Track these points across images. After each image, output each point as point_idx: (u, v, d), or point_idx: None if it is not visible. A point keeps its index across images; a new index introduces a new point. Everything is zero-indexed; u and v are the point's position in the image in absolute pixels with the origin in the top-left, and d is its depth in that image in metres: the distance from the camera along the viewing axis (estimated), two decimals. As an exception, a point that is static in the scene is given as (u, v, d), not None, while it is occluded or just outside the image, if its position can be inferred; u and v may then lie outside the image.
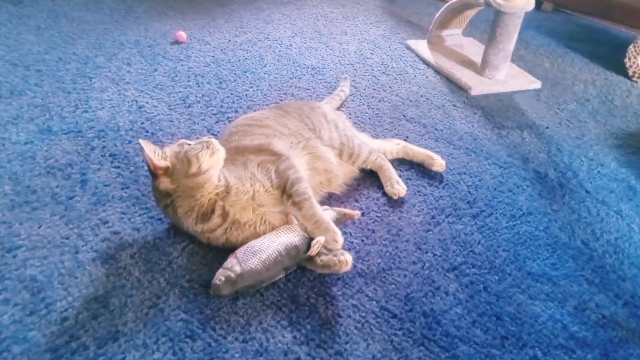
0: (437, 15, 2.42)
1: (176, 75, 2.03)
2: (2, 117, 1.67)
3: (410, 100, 2.01)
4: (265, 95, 1.95)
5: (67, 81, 1.92)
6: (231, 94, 1.94)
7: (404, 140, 1.69)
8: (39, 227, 1.26)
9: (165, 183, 1.16)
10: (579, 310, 1.18)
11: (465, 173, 1.61)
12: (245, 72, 2.11)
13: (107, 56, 2.14)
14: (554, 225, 1.43)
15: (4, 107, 1.73)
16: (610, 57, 2.54)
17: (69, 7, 2.59)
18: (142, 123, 1.71)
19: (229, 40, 2.39)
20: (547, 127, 1.91)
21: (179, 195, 1.17)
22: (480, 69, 2.22)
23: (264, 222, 1.22)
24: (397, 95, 2.04)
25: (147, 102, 1.83)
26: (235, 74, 2.09)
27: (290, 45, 2.41)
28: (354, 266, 1.22)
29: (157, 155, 1.16)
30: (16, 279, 1.13)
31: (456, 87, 2.15)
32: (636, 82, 2.33)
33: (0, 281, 1.12)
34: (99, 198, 1.38)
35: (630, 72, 2.35)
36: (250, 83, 2.03)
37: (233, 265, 1.10)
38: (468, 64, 2.30)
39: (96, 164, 1.50)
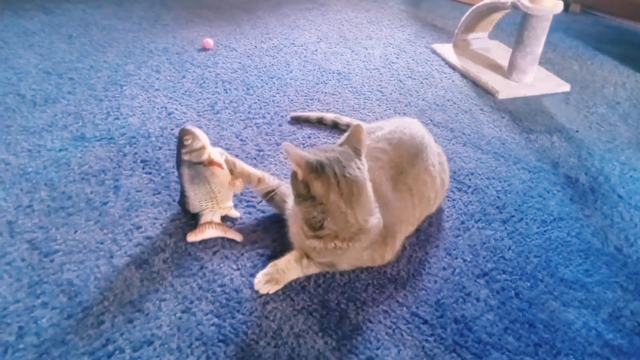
0: (463, 18, 2.41)
1: (204, 82, 2.06)
2: (37, 124, 1.72)
3: (437, 105, 2.00)
4: (292, 100, 1.97)
5: (99, 89, 1.97)
6: (258, 99, 1.96)
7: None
8: (74, 232, 1.30)
9: None
10: (613, 318, 1.17)
11: (494, 178, 1.60)
12: (271, 77, 2.13)
13: (137, 64, 2.18)
14: (586, 231, 1.41)
15: (39, 114, 1.77)
16: (641, 58, 2.49)
17: (99, 16, 2.64)
18: (171, 129, 1.74)
19: (255, 47, 2.42)
20: (577, 131, 1.89)
21: None
22: (507, 72, 2.20)
23: None
24: (423, 100, 2.04)
25: (176, 109, 1.86)
26: (262, 79, 2.11)
27: (316, 50, 2.42)
28: (384, 272, 1.23)
29: None
30: (54, 283, 1.16)
31: (483, 91, 2.14)
32: (668, 84, 2.28)
33: (38, 285, 1.15)
34: (131, 204, 1.40)
35: (662, 74, 2.31)
36: (277, 89, 2.05)
37: None
38: (495, 67, 2.28)
39: (128, 170, 1.53)
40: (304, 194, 1.09)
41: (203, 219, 1.29)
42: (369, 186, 1.11)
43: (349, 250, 1.14)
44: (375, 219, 1.13)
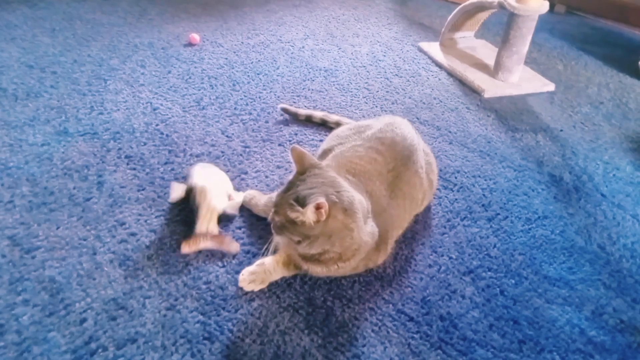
0: (450, 17, 2.41)
1: (190, 77, 2.04)
2: (19, 118, 1.69)
3: (424, 103, 2.01)
4: (278, 97, 1.96)
5: (83, 83, 1.94)
6: (245, 96, 1.95)
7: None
8: (57, 229, 1.28)
9: None
10: (596, 315, 1.18)
11: (479, 176, 1.61)
12: (258, 74, 2.12)
13: (122, 58, 2.15)
14: (570, 229, 1.42)
15: (21, 108, 1.74)
16: (625, 59, 2.52)
17: (83, 10, 2.61)
18: (156, 125, 1.72)
19: (242, 43, 2.40)
20: (562, 130, 1.90)
21: None
22: (493, 71, 2.21)
23: None
24: (410, 98, 2.04)
25: (161, 104, 1.84)
26: (248, 76, 2.10)
27: (303, 47, 2.41)
28: (370, 270, 1.22)
29: None
30: (35, 280, 1.14)
31: (469, 90, 2.15)
32: (651, 84, 2.31)
33: (19, 282, 1.13)
34: (115, 200, 1.38)
35: (644, 75, 2.34)
36: (264, 85, 2.04)
37: None
38: (481, 66, 2.29)
39: (112, 165, 1.51)
40: (311, 235, 1.05)
41: (198, 229, 1.24)
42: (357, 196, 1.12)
43: (348, 267, 1.14)
44: (369, 229, 1.13)
